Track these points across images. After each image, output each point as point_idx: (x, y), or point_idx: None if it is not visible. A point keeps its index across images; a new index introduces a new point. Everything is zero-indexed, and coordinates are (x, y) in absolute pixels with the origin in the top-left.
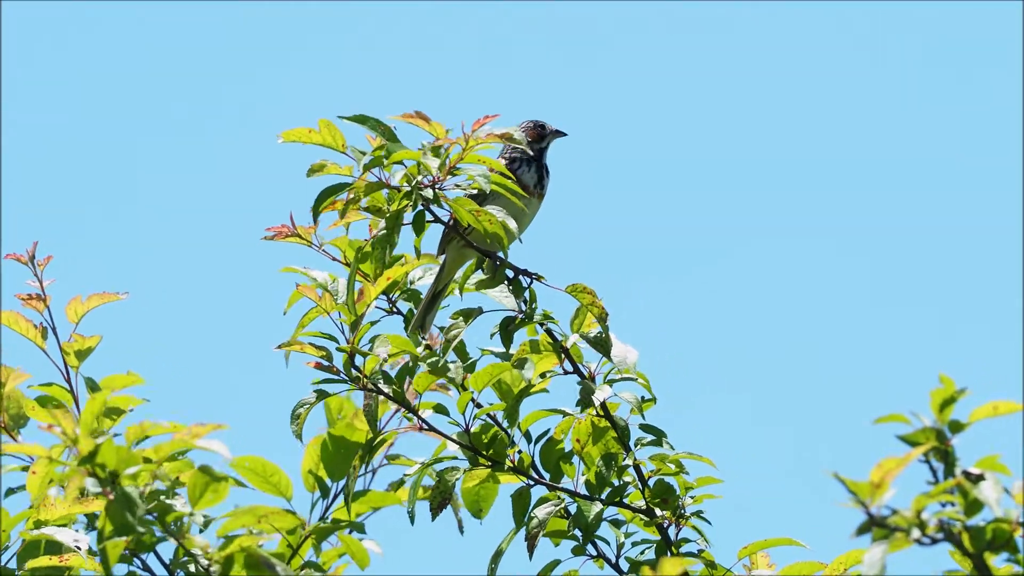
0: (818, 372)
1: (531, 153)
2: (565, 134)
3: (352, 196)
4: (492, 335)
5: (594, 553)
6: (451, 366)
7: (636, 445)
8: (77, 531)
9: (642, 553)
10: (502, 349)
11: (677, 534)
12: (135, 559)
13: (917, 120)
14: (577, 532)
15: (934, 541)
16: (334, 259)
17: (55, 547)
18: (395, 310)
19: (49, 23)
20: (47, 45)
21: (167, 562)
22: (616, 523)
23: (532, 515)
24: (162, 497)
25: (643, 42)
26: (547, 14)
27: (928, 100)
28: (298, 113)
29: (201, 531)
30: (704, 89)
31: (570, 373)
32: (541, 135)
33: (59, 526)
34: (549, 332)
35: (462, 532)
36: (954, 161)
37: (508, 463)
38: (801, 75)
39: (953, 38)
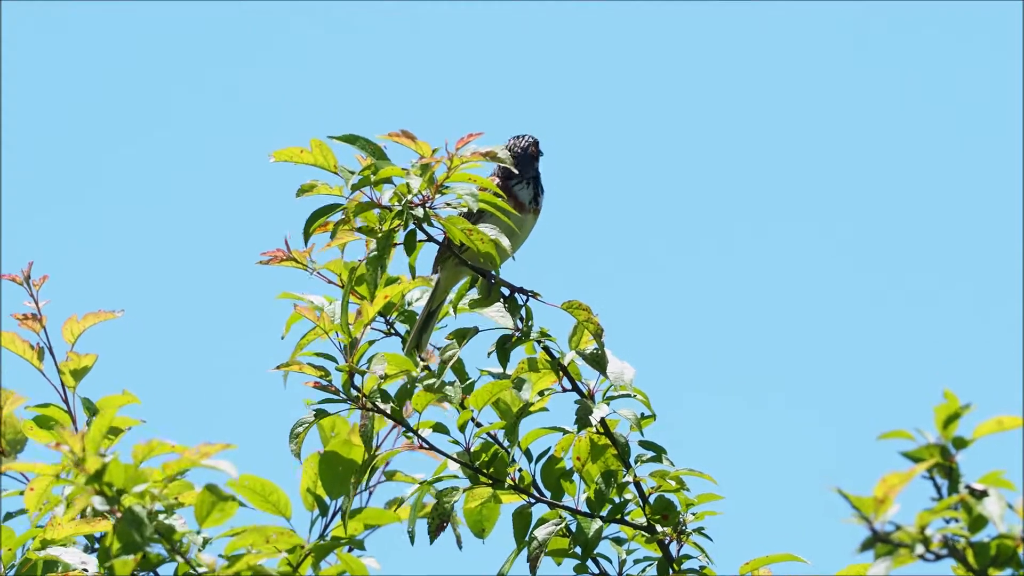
0: (820, 382)
1: (516, 172)
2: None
3: (343, 217)
4: (489, 354)
5: (596, 571)
6: (450, 386)
7: (636, 462)
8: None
9: (644, 571)
10: (500, 369)
11: (679, 551)
12: None
13: (917, 124)
14: (578, 550)
15: (938, 557)
16: (330, 282)
17: (54, 566)
18: (393, 331)
19: (35, 37)
20: (41, 58)
21: None
22: (618, 541)
23: (533, 536)
24: (161, 517)
25: (636, 45)
26: (542, 18)
27: (928, 103)
28: (293, 128)
29: (199, 551)
30: (697, 91)
31: (569, 391)
32: (538, 153)
33: (64, 546)
34: (547, 349)
35: (460, 547)
36: (954, 164)
37: (508, 482)
38: (796, 76)
39: (953, 38)
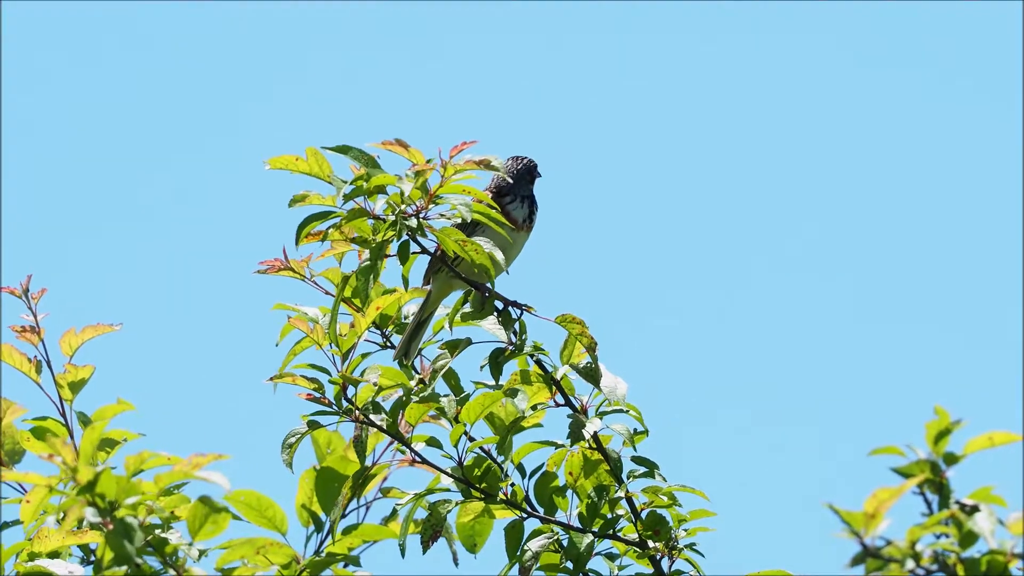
0: (811, 398)
1: (510, 181)
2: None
3: (334, 224)
4: (482, 367)
5: None
6: (444, 400)
7: (628, 477)
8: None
9: None
10: (494, 383)
11: (671, 566)
12: None
13: (917, 130)
14: (569, 564)
15: (929, 572)
16: (327, 292)
17: None
18: (389, 344)
19: (31, 41)
20: (35, 68)
21: None
22: (610, 556)
23: (525, 548)
24: (157, 531)
25: (635, 53)
26: (542, 28)
27: (928, 106)
28: (289, 139)
29: (194, 563)
30: (690, 99)
31: (562, 405)
32: (534, 176)
33: (53, 558)
34: (540, 363)
35: (456, 564)
36: (948, 176)
37: (501, 496)
38: (788, 84)
39: (952, 40)
